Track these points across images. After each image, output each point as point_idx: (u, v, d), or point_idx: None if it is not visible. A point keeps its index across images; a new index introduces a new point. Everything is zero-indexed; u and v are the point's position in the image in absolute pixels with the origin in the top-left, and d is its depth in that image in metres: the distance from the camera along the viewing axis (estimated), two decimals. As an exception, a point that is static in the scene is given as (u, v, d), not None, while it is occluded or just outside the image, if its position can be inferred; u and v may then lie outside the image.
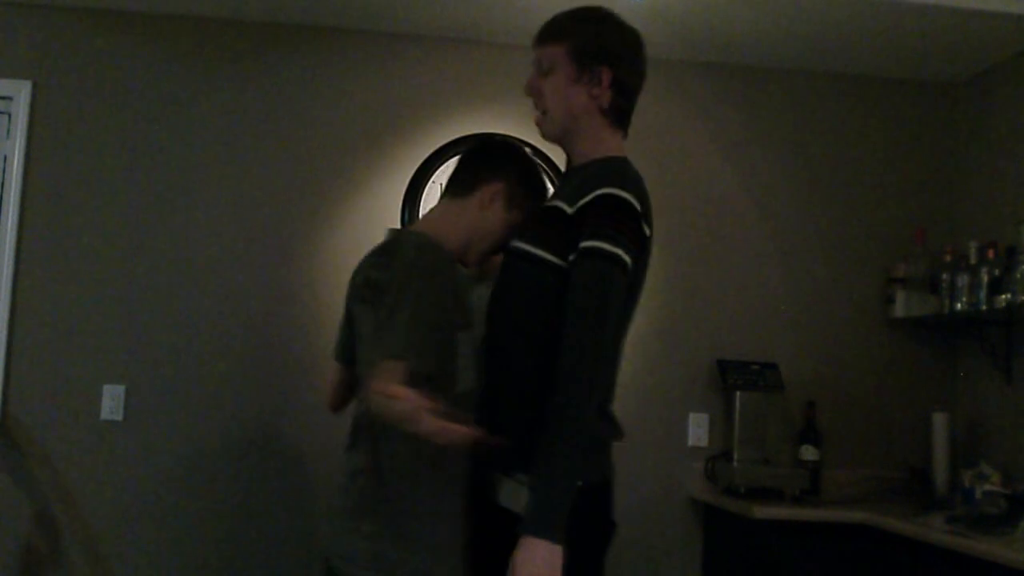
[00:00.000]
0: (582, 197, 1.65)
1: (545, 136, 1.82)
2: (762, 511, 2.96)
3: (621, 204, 1.63)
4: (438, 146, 3.40)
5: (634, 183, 1.69)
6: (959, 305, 3.25)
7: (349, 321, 1.93)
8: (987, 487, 2.95)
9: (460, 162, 1.94)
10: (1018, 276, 2.99)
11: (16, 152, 3.22)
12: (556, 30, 1.78)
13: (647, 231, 1.68)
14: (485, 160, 1.91)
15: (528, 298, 1.72)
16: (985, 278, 3.14)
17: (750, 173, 3.58)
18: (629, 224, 1.63)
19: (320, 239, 3.34)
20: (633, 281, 1.67)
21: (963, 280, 3.24)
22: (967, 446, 3.41)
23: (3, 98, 3.24)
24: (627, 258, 1.61)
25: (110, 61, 3.31)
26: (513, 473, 1.68)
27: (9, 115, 3.24)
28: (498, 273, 1.83)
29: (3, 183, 3.23)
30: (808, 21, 3.21)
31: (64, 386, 3.19)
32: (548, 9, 3.30)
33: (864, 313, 3.60)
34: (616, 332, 1.67)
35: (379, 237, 3.65)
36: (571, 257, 1.64)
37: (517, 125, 3.44)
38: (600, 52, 1.74)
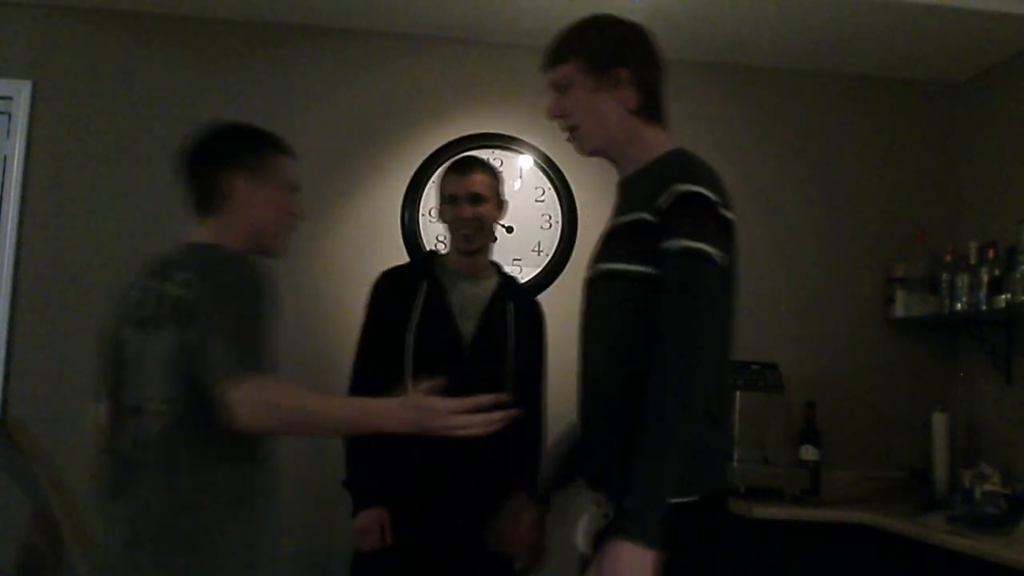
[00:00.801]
0: (657, 200, 1.61)
1: (583, 152, 1.79)
2: (762, 511, 2.96)
3: (695, 198, 1.59)
4: (438, 146, 3.40)
5: (700, 171, 1.65)
6: (959, 305, 3.25)
7: (118, 349, 1.76)
8: (987, 487, 2.95)
9: (189, 179, 1.83)
10: (1018, 276, 2.99)
11: (16, 152, 3.22)
12: (563, 49, 1.77)
13: (729, 215, 1.64)
14: (203, 163, 1.81)
15: (627, 317, 1.66)
16: (985, 278, 3.14)
17: (750, 173, 3.58)
18: (708, 215, 1.60)
19: (320, 239, 3.34)
20: (728, 272, 1.64)
21: (963, 280, 3.24)
22: (967, 446, 3.41)
23: (3, 98, 3.24)
24: (713, 251, 1.57)
25: (110, 61, 3.31)
26: (602, 491, 1.65)
27: (9, 115, 3.24)
28: (586, 298, 1.78)
29: (3, 183, 3.23)
30: (808, 21, 3.21)
31: (64, 386, 3.19)
32: (548, 9, 3.30)
33: (864, 313, 3.60)
34: (720, 331, 1.64)
35: (379, 237, 3.66)
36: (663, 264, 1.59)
37: (517, 125, 3.45)
38: (611, 54, 1.73)
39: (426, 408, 1.63)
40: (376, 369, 2.41)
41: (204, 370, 1.58)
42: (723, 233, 1.62)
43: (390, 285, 2.51)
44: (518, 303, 2.48)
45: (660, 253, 1.59)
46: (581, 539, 1.68)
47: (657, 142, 1.74)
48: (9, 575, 3.10)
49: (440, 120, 3.43)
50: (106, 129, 3.29)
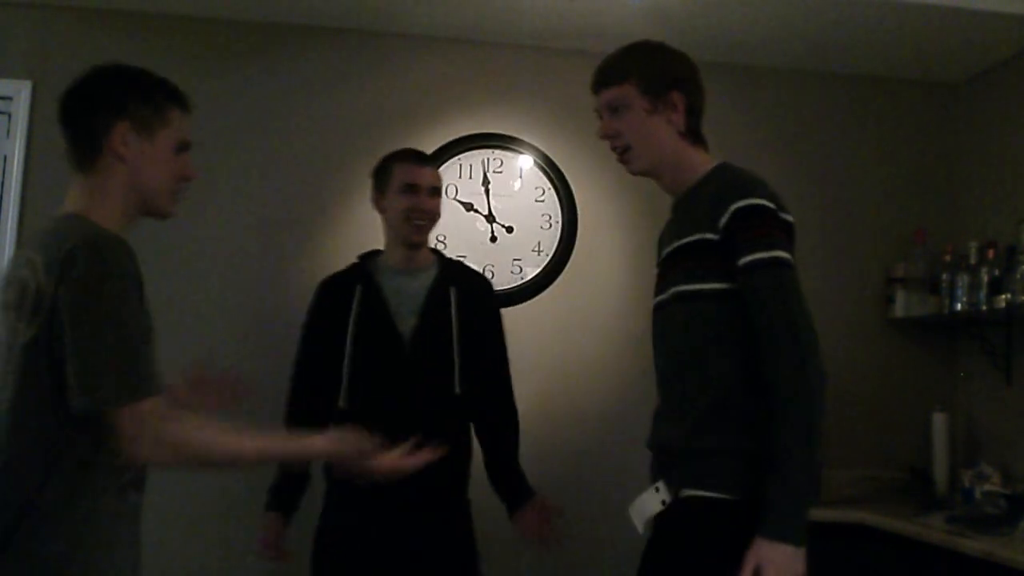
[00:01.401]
0: (720, 218, 1.68)
1: (634, 171, 1.85)
2: (762, 511, 2.96)
3: (756, 210, 1.67)
4: (438, 146, 3.40)
5: (753, 183, 1.73)
6: (959, 305, 3.25)
7: None
8: (987, 487, 2.95)
9: (65, 129, 1.61)
10: (1018, 276, 2.99)
11: (16, 152, 3.22)
12: (618, 71, 1.82)
13: (788, 218, 1.74)
14: (84, 109, 1.60)
15: (700, 330, 1.72)
16: (985, 278, 3.14)
17: (750, 173, 3.58)
18: (772, 224, 1.68)
19: (320, 239, 3.34)
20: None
21: (963, 280, 3.24)
22: (967, 446, 3.42)
23: (3, 98, 3.24)
24: (787, 256, 1.67)
25: (110, 61, 3.31)
26: (675, 485, 1.71)
27: (9, 115, 3.24)
28: (660, 321, 1.83)
29: (3, 183, 3.23)
30: (808, 21, 3.21)
31: (64, 386, 3.19)
32: (548, 9, 3.30)
33: (864, 313, 3.60)
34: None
35: (379, 237, 3.66)
36: (739, 277, 1.67)
37: (517, 125, 3.45)
38: (668, 80, 1.80)
39: (350, 446, 1.61)
40: (313, 382, 2.42)
41: (85, 393, 1.39)
42: (787, 237, 1.72)
43: (326, 293, 2.50)
44: (461, 287, 2.44)
45: (730, 270, 1.66)
46: (637, 519, 1.78)
47: (702, 162, 1.83)
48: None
49: (440, 120, 3.43)
50: (106, 129, 3.29)
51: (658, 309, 1.84)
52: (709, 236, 1.69)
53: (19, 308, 1.45)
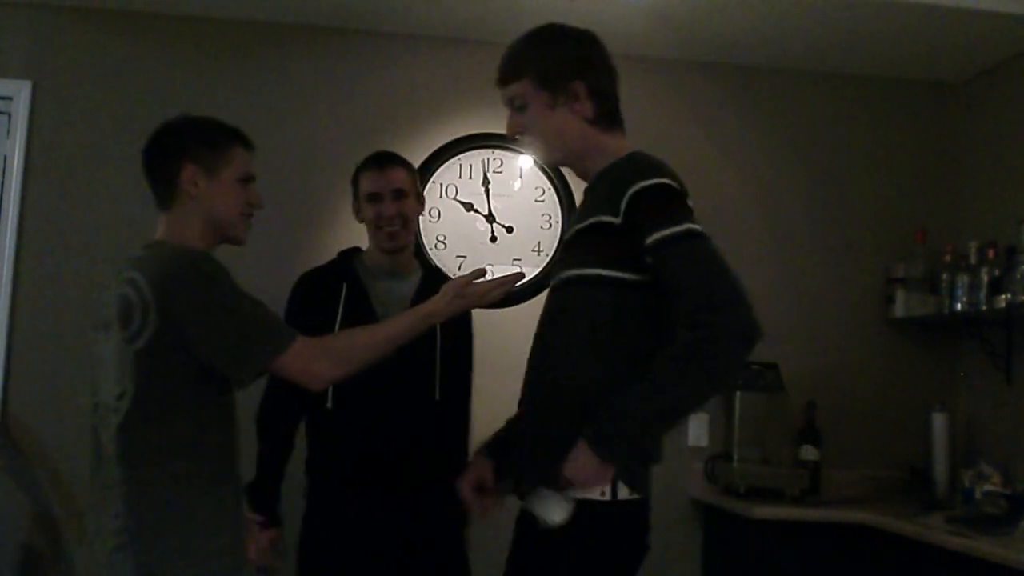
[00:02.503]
0: (620, 202, 1.61)
1: (546, 164, 1.83)
2: (762, 511, 2.96)
3: (659, 188, 1.61)
4: (438, 146, 3.40)
5: (659, 168, 1.66)
6: (959, 305, 3.25)
7: (89, 352, 1.82)
8: (987, 487, 2.95)
9: (149, 175, 1.85)
10: (1018, 276, 2.99)
11: (16, 152, 3.22)
12: (513, 66, 1.77)
13: (688, 201, 1.67)
14: (159, 157, 1.83)
15: (596, 320, 1.65)
16: (985, 278, 3.14)
17: (750, 173, 3.58)
18: (676, 201, 1.63)
19: (320, 239, 3.34)
20: None
21: (963, 280, 3.24)
22: (967, 446, 3.41)
23: (3, 98, 3.24)
24: (698, 228, 1.59)
25: (110, 61, 3.31)
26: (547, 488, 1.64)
27: (9, 115, 3.24)
28: (548, 303, 1.79)
29: (3, 183, 3.23)
30: (807, 21, 3.21)
31: (64, 386, 3.19)
32: (548, 9, 3.30)
33: (864, 313, 3.60)
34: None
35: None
36: (648, 259, 1.60)
37: (517, 125, 3.45)
38: (565, 69, 1.71)
39: (464, 293, 1.86)
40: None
41: (244, 366, 1.70)
42: (690, 215, 1.62)
43: (308, 289, 2.47)
44: None
45: (636, 254, 1.60)
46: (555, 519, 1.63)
47: (616, 147, 1.74)
48: (9, 575, 3.10)
49: (440, 120, 3.43)
50: (106, 129, 3.29)
51: (549, 294, 1.80)
52: (608, 219, 1.63)
53: (126, 321, 1.66)
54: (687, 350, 1.53)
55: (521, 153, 3.45)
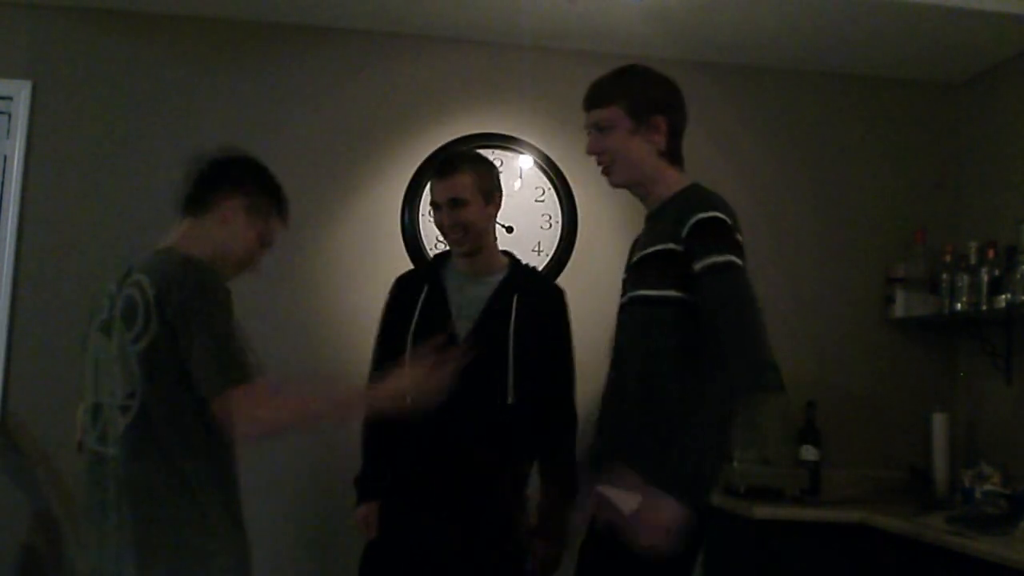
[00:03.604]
0: (682, 230, 1.83)
1: (614, 185, 2.02)
2: (762, 511, 2.96)
3: (714, 222, 1.83)
4: (438, 146, 3.40)
5: (717, 202, 1.87)
6: (959, 305, 3.25)
7: (86, 352, 1.92)
8: (987, 487, 2.95)
9: (193, 180, 1.92)
10: (1018, 276, 2.99)
11: (16, 152, 3.22)
12: (606, 93, 1.97)
13: (740, 238, 1.86)
14: (221, 176, 1.91)
15: (656, 337, 1.87)
16: (985, 278, 3.14)
17: (750, 173, 3.58)
18: (727, 234, 1.83)
19: (320, 239, 3.34)
20: None
21: (963, 280, 3.24)
22: (967, 446, 3.41)
23: (3, 98, 3.24)
24: (740, 261, 1.80)
25: (110, 61, 3.31)
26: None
27: (9, 115, 3.24)
28: (618, 323, 2.00)
29: (3, 183, 3.23)
30: (808, 21, 3.21)
31: (64, 386, 3.18)
32: (548, 9, 3.29)
33: (864, 313, 3.60)
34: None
35: (379, 237, 3.65)
36: (696, 283, 1.82)
37: (517, 125, 3.45)
38: (653, 104, 1.95)
39: (376, 395, 1.87)
40: (382, 375, 2.43)
41: (197, 382, 1.68)
42: (739, 250, 1.84)
43: (397, 290, 2.52)
44: (526, 295, 2.38)
45: (691, 277, 1.80)
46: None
47: (677, 180, 1.97)
48: (9, 575, 3.10)
49: (440, 120, 3.43)
50: (106, 129, 3.29)
51: (620, 311, 2.01)
52: (672, 246, 1.84)
53: (129, 322, 1.71)
54: (710, 402, 1.74)
55: (521, 153, 3.45)
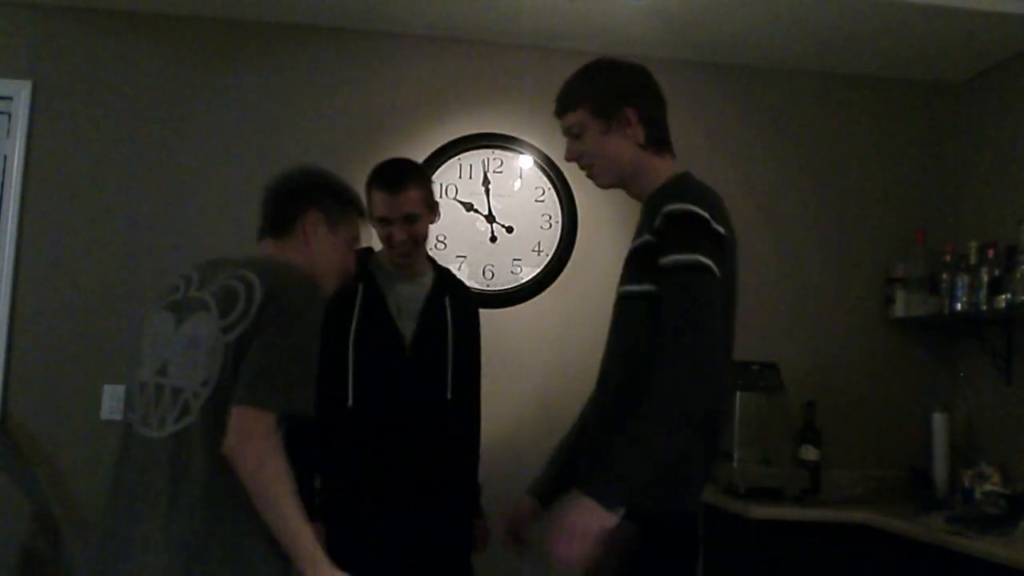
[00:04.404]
0: (655, 221, 1.73)
1: (601, 186, 1.94)
2: (762, 511, 2.96)
3: (686, 215, 1.70)
4: (438, 146, 3.40)
5: (691, 191, 1.76)
6: (959, 305, 3.25)
7: (149, 332, 1.80)
8: (987, 487, 2.95)
9: (268, 202, 1.93)
10: (1018, 276, 2.99)
11: (16, 152, 3.22)
12: (571, 98, 1.91)
13: (720, 229, 1.72)
14: (292, 194, 1.91)
15: (634, 334, 1.79)
16: (985, 278, 3.14)
17: (750, 173, 3.58)
18: (699, 230, 1.69)
19: (320, 239, 3.34)
20: (724, 283, 1.71)
21: (963, 280, 3.24)
22: (967, 446, 3.41)
23: (3, 98, 3.24)
24: (707, 261, 1.66)
25: (110, 61, 3.31)
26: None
27: (9, 115, 3.24)
28: (611, 319, 1.91)
29: (3, 183, 3.23)
30: (808, 21, 3.21)
31: (64, 386, 3.19)
32: (548, 9, 3.29)
33: (864, 313, 3.60)
34: (722, 339, 1.70)
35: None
36: (660, 279, 1.71)
37: (517, 125, 3.45)
38: (617, 98, 1.85)
39: None
40: (321, 374, 2.43)
41: (239, 380, 1.62)
42: (716, 247, 1.70)
43: None
44: (454, 298, 2.47)
45: (659, 271, 1.70)
46: None
47: (665, 169, 1.88)
48: (9, 575, 3.10)
49: (440, 120, 3.43)
50: (106, 129, 3.29)
51: (613, 309, 1.94)
52: (649, 238, 1.75)
53: (225, 310, 1.68)
54: (649, 410, 1.61)
55: (521, 153, 3.45)
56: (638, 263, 1.79)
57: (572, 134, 1.91)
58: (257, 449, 1.57)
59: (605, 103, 1.86)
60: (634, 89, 1.89)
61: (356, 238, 1.97)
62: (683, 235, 1.68)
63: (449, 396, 2.38)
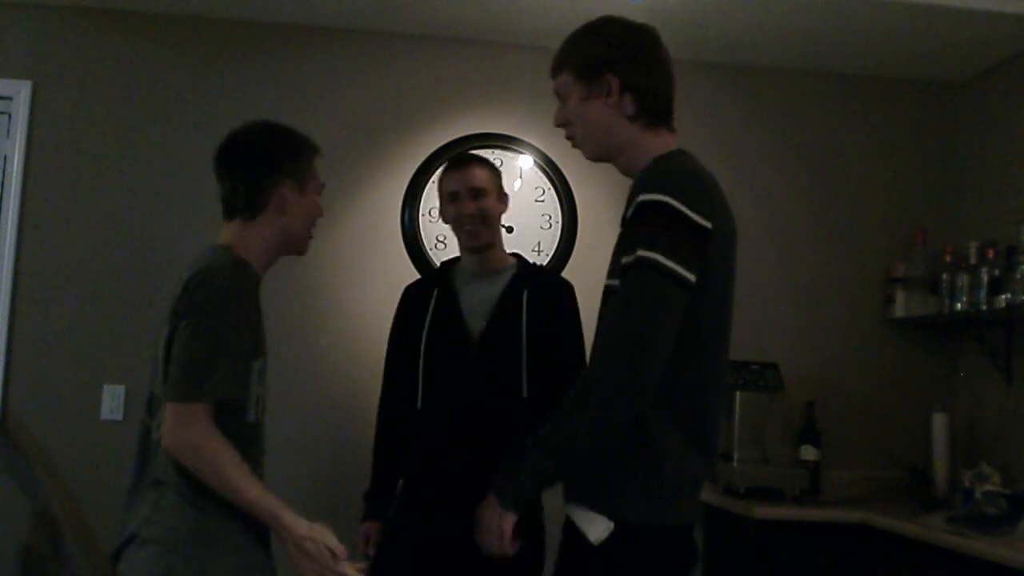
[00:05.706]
0: (628, 211, 1.61)
1: (588, 158, 1.79)
2: (762, 511, 2.96)
3: (653, 206, 1.54)
4: (438, 146, 3.40)
5: (666, 178, 1.58)
6: (959, 305, 3.25)
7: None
8: (987, 487, 2.95)
9: (229, 181, 1.85)
10: (1018, 276, 2.99)
11: (16, 152, 3.22)
12: (560, 58, 1.77)
13: (699, 220, 1.55)
14: (251, 170, 1.83)
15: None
16: (985, 278, 3.14)
17: (750, 173, 3.58)
18: (669, 224, 1.53)
19: (320, 239, 3.33)
20: (686, 280, 1.53)
21: (963, 280, 3.24)
22: (967, 446, 3.41)
23: (3, 98, 3.24)
24: (661, 259, 1.50)
25: (110, 61, 3.31)
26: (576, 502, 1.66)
27: (9, 115, 3.24)
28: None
29: (3, 183, 3.23)
30: (808, 21, 3.21)
31: (64, 386, 3.19)
32: (548, 9, 3.29)
33: (864, 313, 3.60)
34: (658, 340, 1.52)
35: (380, 237, 3.66)
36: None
37: (517, 125, 3.45)
38: (597, 62, 1.69)
39: (318, 545, 1.70)
40: (397, 379, 2.47)
41: (165, 379, 1.67)
42: (686, 241, 1.53)
43: (406, 299, 2.54)
44: (535, 290, 2.38)
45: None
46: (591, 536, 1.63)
47: (656, 147, 1.69)
48: (9, 575, 3.10)
49: (440, 120, 3.43)
50: (106, 129, 3.29)
51: None
52: (622, 231, 1.65)
53: (169, 319, 1.70)
54: (570, 403, 1.56)
55: (521, 153, 3.45)
56: (614, 256, 1.67)
57: (560, 98, 1.77)
58: (188, 438, 1.62)
59: (586, 67, 1.70)
60: (616, 54, 1.70)
61: (320, 181, 1.92)
62: (643, 229, 1.53)
63: (525, 394, 2.30)
